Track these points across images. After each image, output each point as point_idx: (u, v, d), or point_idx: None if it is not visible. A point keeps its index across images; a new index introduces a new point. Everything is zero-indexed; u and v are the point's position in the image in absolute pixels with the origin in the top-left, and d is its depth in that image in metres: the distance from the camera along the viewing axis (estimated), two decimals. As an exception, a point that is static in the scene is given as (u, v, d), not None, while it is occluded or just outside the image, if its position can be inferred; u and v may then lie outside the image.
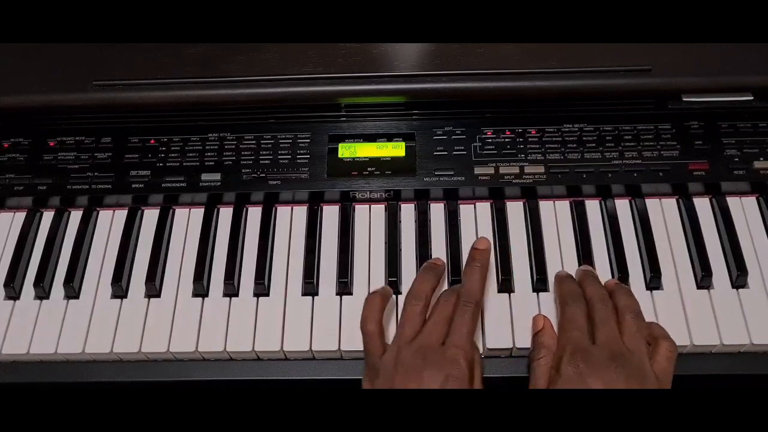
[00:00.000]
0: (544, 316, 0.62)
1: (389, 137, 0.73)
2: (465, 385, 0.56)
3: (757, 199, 0.71)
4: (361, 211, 0.72)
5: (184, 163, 0.73)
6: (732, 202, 0.70)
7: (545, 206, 0.71)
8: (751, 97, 0.72)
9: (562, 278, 0.64)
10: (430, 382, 0.55)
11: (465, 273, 0.62)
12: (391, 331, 0.64)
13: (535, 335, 0.61)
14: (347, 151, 0.73)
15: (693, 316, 0.64)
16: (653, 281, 0.66)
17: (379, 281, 0.67)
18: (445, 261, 0.67)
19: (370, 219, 0.72)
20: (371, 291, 0.63)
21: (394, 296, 0.66)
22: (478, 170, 0.71)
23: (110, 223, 0.73)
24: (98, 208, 0.73)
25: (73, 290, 0.68)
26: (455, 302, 0.60)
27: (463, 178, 0.71)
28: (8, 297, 0.69)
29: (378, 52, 0.73)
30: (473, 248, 0.64)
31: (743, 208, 0.70)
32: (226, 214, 0.72)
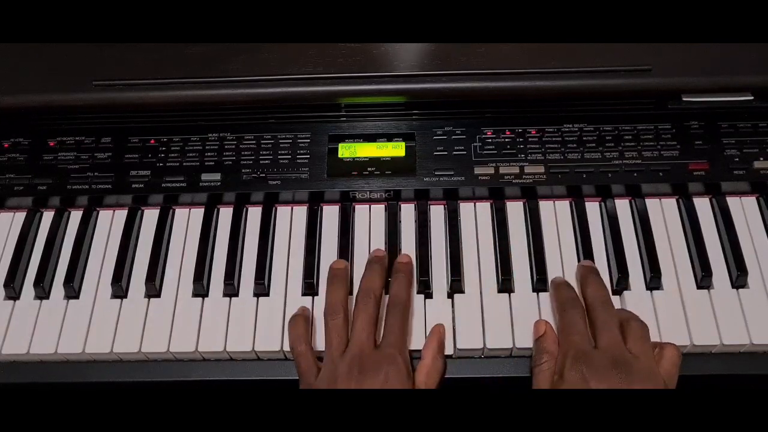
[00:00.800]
0: (546, 322, 0.62)
1: (389, 137, 0.73)
2: (405, 382, 0.57)
3: (757, 199, 0.71)
4: (361, 211, 0.72)
5: (184, 163, 0.73)
6: (732, 202, 0.70)
7: (545, 206, 0.71)
8: (751, 97, 0.72)
9: (558, 284, 0.64)
10: (371, 386, 0.56)
11: (392, 281, 0.64)
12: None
13: (537, 341, 0.61)
14: (347, 151, 0.73)
15: (693, 316, 0.64)
16: (653, 281, 0.66)
17: (379, 281, 0.67)
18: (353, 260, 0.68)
19: (370, 219, 0.72)
20: (292, 315, 0.64)
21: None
22: (478, 170, 0.71)
23: (110, 223, 0.73)
24: (98, 208, 0.73)
25: (73, 290, 0.68)
26: (375, 303, 0.61)
27: (463, 178, 0.71)
28: (8, 297, 0.69)
29: (378, 52, 0.73)
30: (396, 262, 0.66)
31: (743, 208, 0.70)
32: (226, 214, 0.72)
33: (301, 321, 0.63)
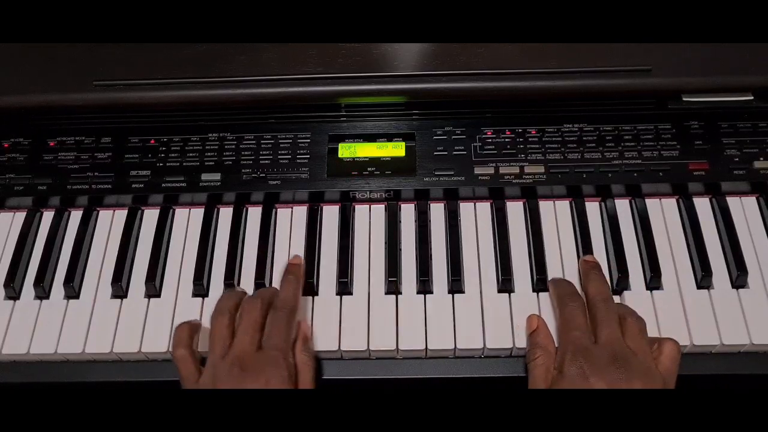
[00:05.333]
0: (538, 316, 0.63)
1: (389, 137, 0.73)
2: (286, 384, 0.56)
3: (757, 199, 0.71)
4: (361, 211, 0.72)
5: (184, 163, 0.73)
6: (732, 202, 0.70)
7: (545, 206, 0.71)
8: (751, 97, 0.72)
9: (556, 280, 0.65)
10: (252, 387, 0.55)
11: (281, 283, 0.63)
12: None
13: (530, 335, 0.62)
14: (347, 151, 0.73)
15: (693, 316, 0.64)
16: (653, 281, 0.66)
17: (379, 281, 0.67)
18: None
19: (370, 219, 0.72)
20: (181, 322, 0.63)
21: (394, 296, 0.66)
22: (478, 170, 0.71)
23: (110, 223, 0.73)
24: (98, 208, 0.73)
25: (73, 290, 0.68)
26: (261, 307, 0.60)
27: (463, 178, 0.71)
28: (8, 297, 0.69)
29: (378, 52, 0.73)
30: (288, 263, 0.65)
31: (743, 208, 0.70)
32: (226, 214, 0.72)
33: (186, 327, 0.62)
